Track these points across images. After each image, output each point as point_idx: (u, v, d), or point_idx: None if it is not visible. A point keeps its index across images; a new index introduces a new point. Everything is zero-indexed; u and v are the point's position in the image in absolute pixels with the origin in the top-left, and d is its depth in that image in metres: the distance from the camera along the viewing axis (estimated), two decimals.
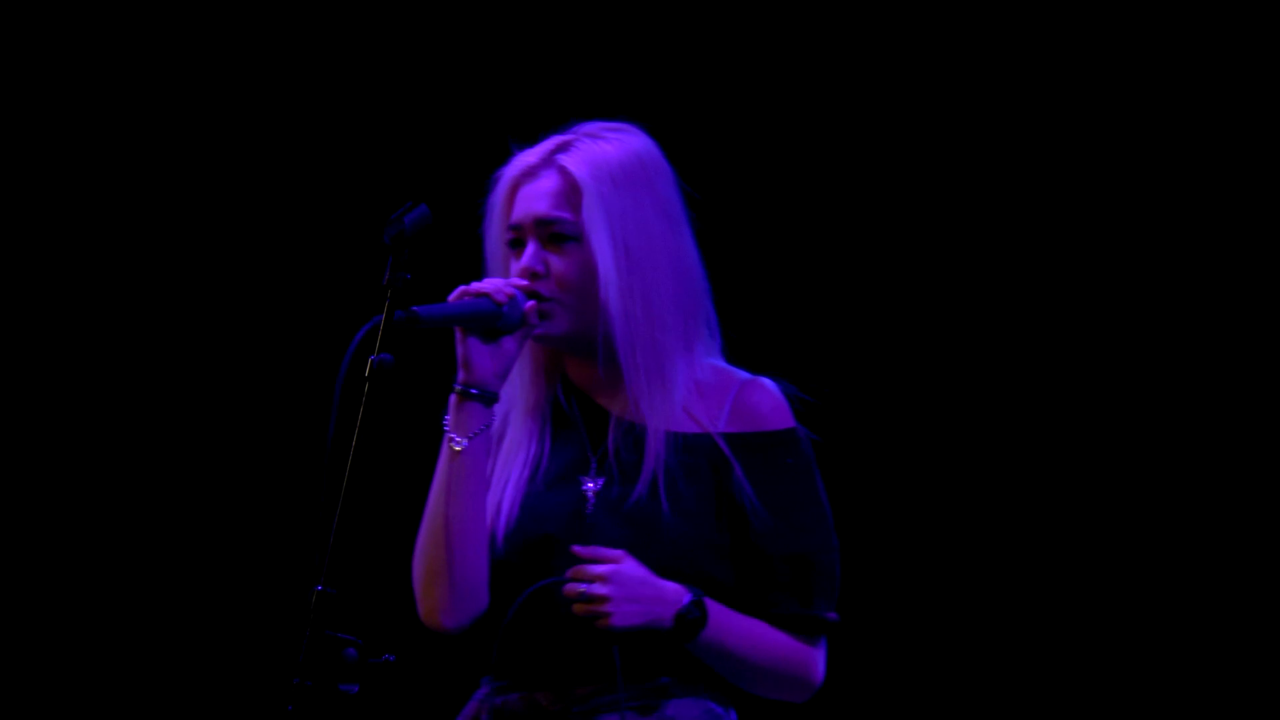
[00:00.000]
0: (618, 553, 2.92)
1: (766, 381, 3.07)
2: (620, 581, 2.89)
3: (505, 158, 3.11)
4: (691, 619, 2.92)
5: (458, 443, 2.96)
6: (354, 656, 2.75)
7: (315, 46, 5.21)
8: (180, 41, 5.21)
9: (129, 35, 5.20)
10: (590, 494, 3.01)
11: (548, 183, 3.02)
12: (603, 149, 3.02)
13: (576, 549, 2.92)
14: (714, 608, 2.95)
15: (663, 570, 2.94)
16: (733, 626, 2.96)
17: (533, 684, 2.98)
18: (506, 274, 3.05)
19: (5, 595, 5.20)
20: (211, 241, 5.22)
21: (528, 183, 3.03)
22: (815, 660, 3.02)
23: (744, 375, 3.07)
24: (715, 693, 3.01)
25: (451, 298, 2.96)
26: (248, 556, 5.12)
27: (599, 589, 2.89)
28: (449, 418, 2.99)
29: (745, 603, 3.00)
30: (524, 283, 2.99)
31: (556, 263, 3.00)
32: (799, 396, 3.08)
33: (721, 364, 3.08)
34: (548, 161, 3.03)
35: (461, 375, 2.97)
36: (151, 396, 5.21)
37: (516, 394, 3.08)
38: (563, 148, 3.04)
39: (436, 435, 3.05)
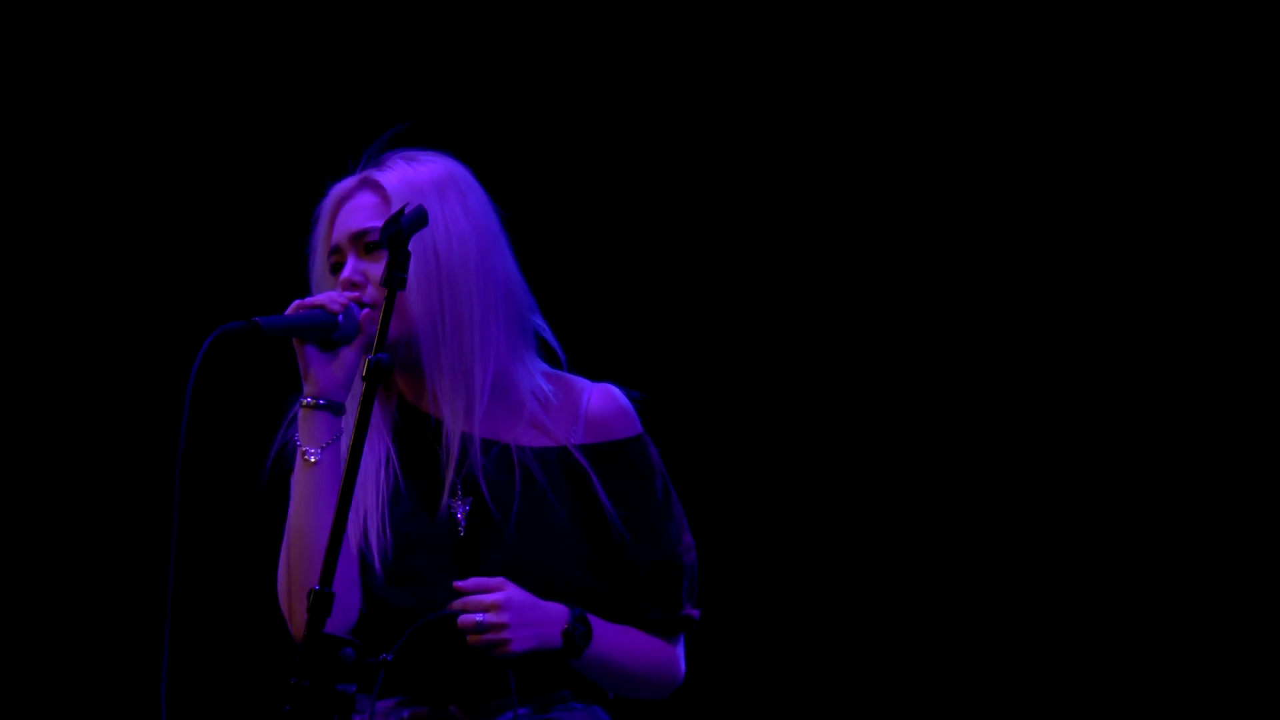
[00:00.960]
0: (498, 580, 2.96)
1: (611, 388, 3.14)
2: (512, 608, 2.94)
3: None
4: (578, 635, 2.98)
5: (312, 454, 2.98)
6: (351, 656, 2.75)
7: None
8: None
9: None
10: (460, 516, 3.05)
11: (362, 200, 3.11)
12: (415, 167, 3.12)
13: (458, 584, 2.96)
14: (595, 622, 3.02)
15: (541, 586, 3.00)
16: (611, 638, 3.04)
17: (442, 698, 3.02)
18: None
19: None
20: (147, 242, 5.23)
21: (344, 205, 3.12)
22: (679, 658, 3.12)
23: (586, 384, 3.14)
24: (609, 702, 3.10)
25: (289, 311, 3.00)
26: (242, 556, 5.12)
27: (494, 618, 2.93)
28: (299, 430, 3.01)
29: (615, 609, 3.07)
30: (356, 294, 3.04)
31: (374, 270, 3.05)
32: (639, 398, 3.16)
33: (559, 373, 3.15)
34: (362, 182, 3.12)
35: (307, 388, 3.00)
36: (134, 391, 5.21)
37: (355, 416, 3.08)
38: (375, 168, 3.13)
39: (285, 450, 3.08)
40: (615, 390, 3.14)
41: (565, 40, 5.14)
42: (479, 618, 2.92)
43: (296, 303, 3.00)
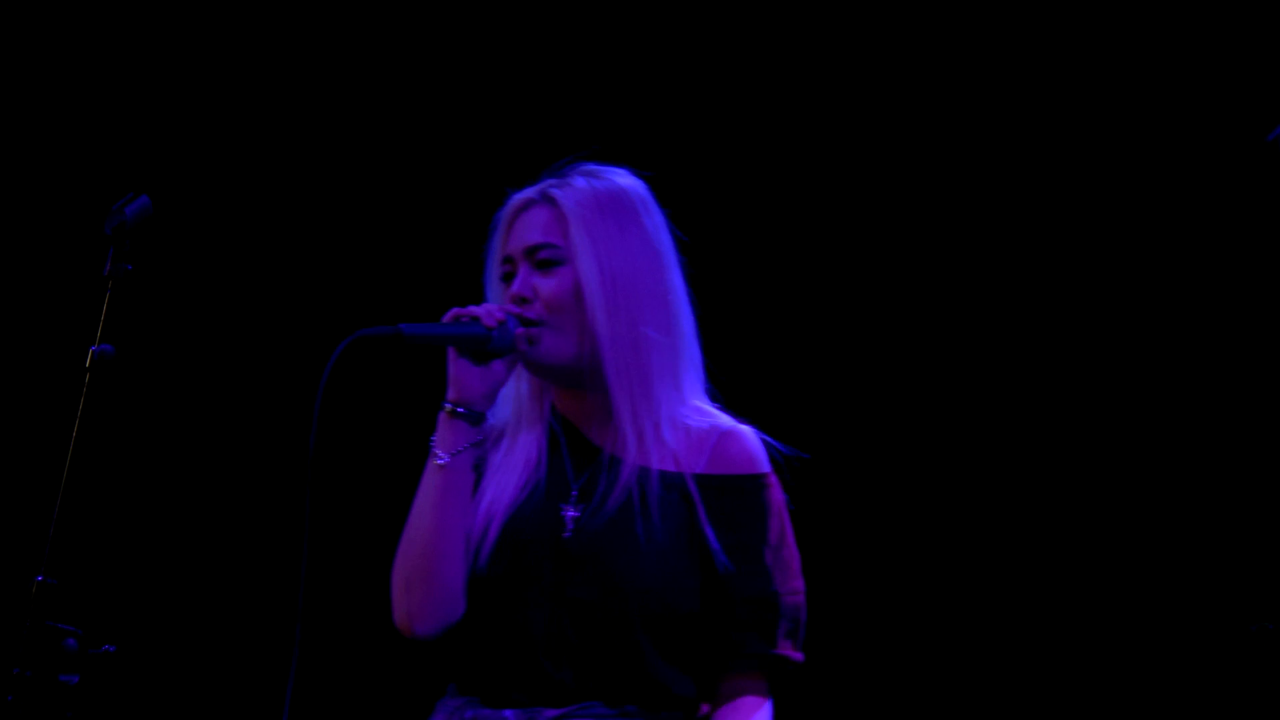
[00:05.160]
0: None
1: (747, 429, 3.15)
2: None
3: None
4: None
5: (441, 458, 3.03)
6: (74, 647, 2.75)
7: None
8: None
9: None
10: (569, 521, 3.07)
11: (539, 214, 3.13)
12: (594, 184, 3.14)
13: None
14: None
15: (635, 604, 3.02)
16: None
17: (504, 701, 3.04)
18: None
19: None
20: None
21: (521, 216, 3.14)
22: (770, 708, 3.13)
23: (726, 423, 3.15)
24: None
25: (445, 319, 3.03)
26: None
27: None
28: (436, 433, 3.05)
29: (712, 638, 3.08)
30: (516, 309, 3.07)
31: (544, 285, 3.08)
32: (777, 448, 3.17)
33: (708, 407, 3.16)
34: (541, 195, 3.14)
35: (451, 393, 3.04)
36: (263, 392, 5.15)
37: (523, 418, 3.16)
38: (556, 184, 3.15)
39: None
40: (749, 431, 3.14)
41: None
42: None
43: (453, 311, 3.02)
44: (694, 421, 3.12)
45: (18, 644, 2.76)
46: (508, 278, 3.13)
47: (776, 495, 3.14)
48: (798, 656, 3.11)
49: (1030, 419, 5.02)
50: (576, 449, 3.13)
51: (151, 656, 5.04)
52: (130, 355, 3.05)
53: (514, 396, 3.15)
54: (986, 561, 5.03)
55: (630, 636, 3.01)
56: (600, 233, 3.10)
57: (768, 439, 3.16)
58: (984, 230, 5.06)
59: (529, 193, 3.15)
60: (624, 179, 3.17)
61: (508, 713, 3.02)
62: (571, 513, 3.07)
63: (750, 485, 3.11)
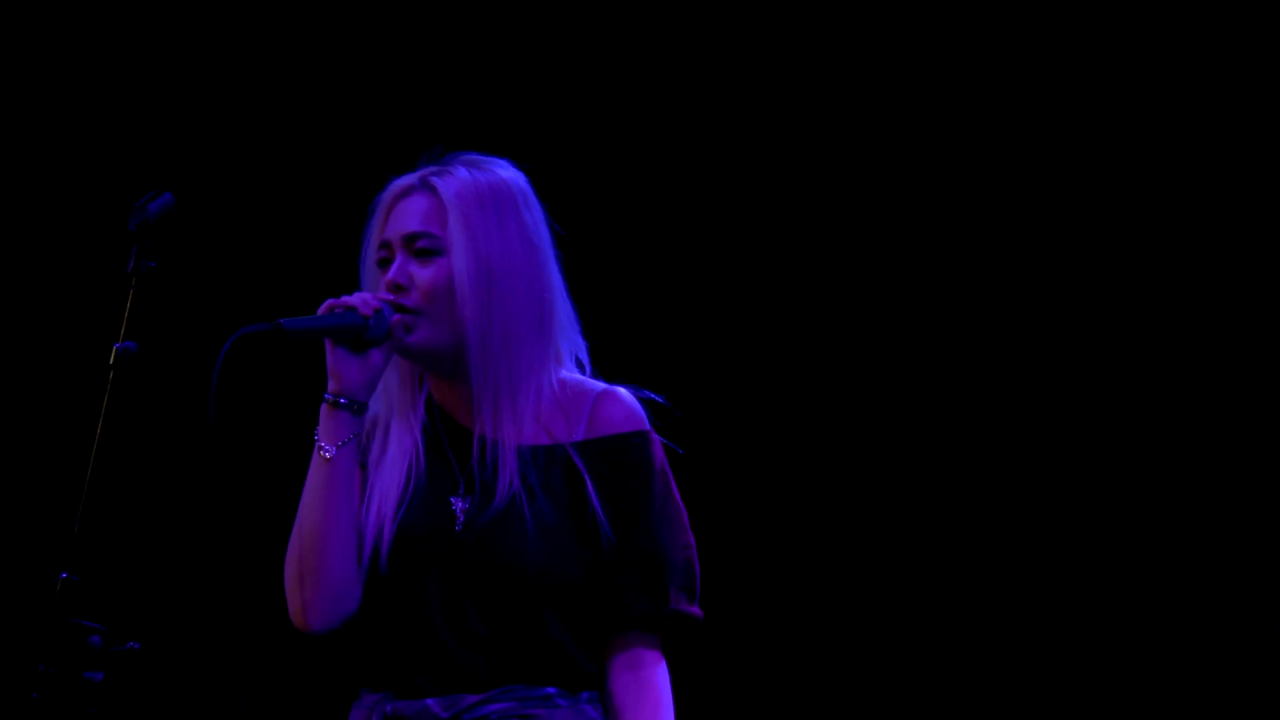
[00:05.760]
0: None
1: (621, 390, 3.15)
2: None
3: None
4: None
5: (327, 451, 3.04)
6: (98, 644, 2.75)
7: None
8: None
9: None
10: (459, 513, 3.07)
11: (419, 202, 3.12)
12: (475, 174, 3.13)
13: None
14: None
15: (529, 582, 3.03)
16: None
17: (421, 692, 3.04)
18: (377, 291, 3.12)
19: None
20: None
21: (400, 203, 3.13)
22: (664, 667, 3.11)
23: (600, 386, 3.15)
24: (596, 705, 3.09)
25: (321, 310, 3.03)
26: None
27: None
28: (319, 426, 3.06)
29: (603, 605, 3.08)
30: (391, 297, 3.07)
31: (421, 274, 3.08)
32: (656, 402, 3.16)
33: (580, 377, 3.16)
34: (421, 183, 3.13)
35: (331, 385, 3.05)
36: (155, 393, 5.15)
37: (394, 410, 3.16)
38: (437, 172, 3.14)
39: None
40: (623, 390, 3.14)
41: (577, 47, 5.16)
42: None
43: (329, 302, 3.03)
44: (568, 395, 3.12)
45: (42, 641, 2.76)
46: (384, 263, 3.12)
47: (658, 452, 3.13)
48: (695, 612, 3.10)
49: (1030, 416, 5.04)
50: (456, 438, 3.13)
51: (176, 654, 5.05)
52: (154, 352, 3.06)
53: (384, 388, 3.15)
54: (993, 563, 5.04)
55: (535, 617, 3.03)
56: (479, 226, 3.09)
57: (645, 393, 3.16)
58: (909, 217, 5.09)
59: (409, 179, 3.15)
60: (505, 171, 3.16)
61: (430, 701, 3.03)
62: (460, 504, 3.08)
63: (632, 443, 3.11)
